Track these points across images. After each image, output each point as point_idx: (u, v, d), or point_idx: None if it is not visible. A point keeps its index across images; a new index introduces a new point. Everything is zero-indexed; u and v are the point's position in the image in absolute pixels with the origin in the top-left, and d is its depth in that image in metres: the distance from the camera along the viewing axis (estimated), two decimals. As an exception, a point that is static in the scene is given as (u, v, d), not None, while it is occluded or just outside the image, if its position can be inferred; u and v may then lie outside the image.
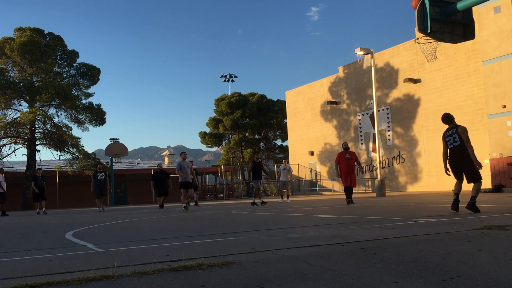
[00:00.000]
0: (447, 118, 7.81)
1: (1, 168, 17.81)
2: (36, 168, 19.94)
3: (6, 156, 31.24)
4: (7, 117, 30.50)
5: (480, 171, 7.55)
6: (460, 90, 23.49)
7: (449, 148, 7.68)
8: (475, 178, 7.46)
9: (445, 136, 7.76)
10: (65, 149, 31.42)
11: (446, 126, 7.90)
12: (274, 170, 39.33)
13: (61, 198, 32.54)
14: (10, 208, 31.43)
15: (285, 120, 40.70)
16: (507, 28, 18.37)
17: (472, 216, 6.65)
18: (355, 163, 13.14)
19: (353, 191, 13.48)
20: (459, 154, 7.51)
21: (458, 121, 25.75)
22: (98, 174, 17.86)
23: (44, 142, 31.62)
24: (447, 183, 23.87)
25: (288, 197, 18.75)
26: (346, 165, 12.91)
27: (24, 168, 32.56)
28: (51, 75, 31.65)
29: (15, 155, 31.88)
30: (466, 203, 7.57)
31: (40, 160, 32.04)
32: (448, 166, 7.73)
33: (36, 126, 30.95)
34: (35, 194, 18.03)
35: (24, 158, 31.63)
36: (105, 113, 33.68)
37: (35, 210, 19.79)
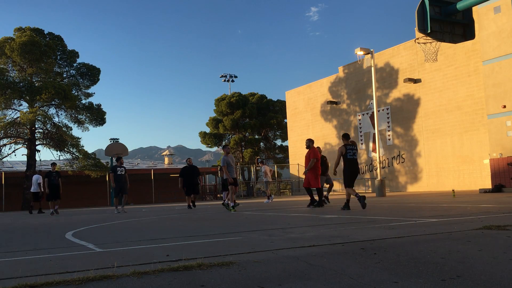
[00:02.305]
0: (349, 136, 10.51)
1: (39, 171, 19.28)
2: (51, 162, 18.15)
3: (6, 156, 31.27)
4: (7, 117, 30.52)
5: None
6: (460, 90, 23.48)
7: (348, 158, 10.08)
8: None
9: (347, 148, 10.13)
10: (65, 149, 31.43)
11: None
12: (275, 170, 39.31)
13: (62, 198, 32.53)
14: (10, 208, 31.48)
15: (285, 120, 40.69)
16: (507, 28, 18.37)
17: (472, 216, 6.66)
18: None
19: (323, 192, 12.40)
20: (357, 164, 10.24)
21: (458, 120, 25.65)
22: (118, 168, 15.64)
23: (44, 142, 31.62)
24: (447, 183, 23.88)
25: (269, 198, 18.39)
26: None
27: (24, 168, 32.56)
28: (51, 75, 31.65)
29: (15, 155, 31.86)
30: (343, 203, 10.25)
31: (40, 160, 32.05)
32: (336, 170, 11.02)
33: (36, 126, 30.95)
34: (48, 192, 16.69)
35: (24, 158, 31.64)
36: (105, 113, 33.69)
37: (39, 210, 19.64)
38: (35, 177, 18.89)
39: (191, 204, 16.34)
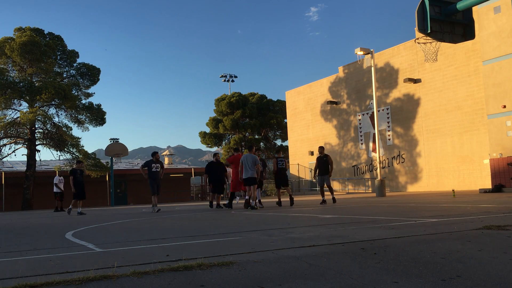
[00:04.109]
0: (280, 150, 14.62)
1: (60, 172, 22.16)
2: (76, 161, 17.27)
3: (6, 156, 31.29)
4: (7, 117, 30.53)
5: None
6: (460, 90, 23.48)
7: (278, 167, 13.81)
8: (287, 184, 14.36)
9: (278, 160, 13.86)
10: (65, 149, 31.45)
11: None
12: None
13: (63, 197, 32.52)
14: (10, 208, 31.48)
15: (285, 120, 40.68)
16: (507, 28, 18.37)
17: (472, 216, 6.66)
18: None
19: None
20: (283, 172, 14.05)
21: (458, 120, 25.64)
22: (153, 165, 14.44)
23: (44, 142, 31.63)
24: (447, 183, 23.87)
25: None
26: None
27: (24, 168, 32.56)
28: (51, 75, 31.67)
29: (15, 155, 31.95)
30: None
31: (40, 160, 32.05)
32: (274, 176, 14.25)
33: (36, 126, 30.95)
34: (75, 191, 15.23)
35: (24, 158, 31.66)
36: (105, 113, 33.71)
37: (37, 210, 19.97)
38: (55, 178, 21.42)
39: (213, 201, 15.06)
